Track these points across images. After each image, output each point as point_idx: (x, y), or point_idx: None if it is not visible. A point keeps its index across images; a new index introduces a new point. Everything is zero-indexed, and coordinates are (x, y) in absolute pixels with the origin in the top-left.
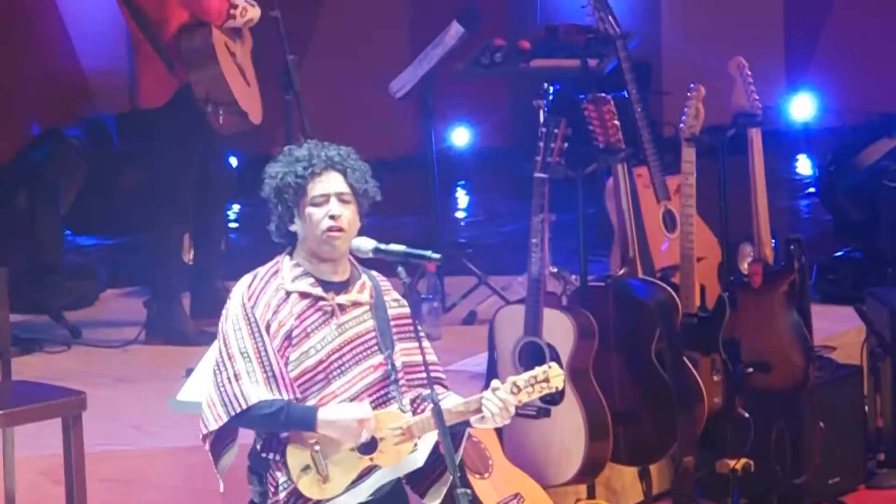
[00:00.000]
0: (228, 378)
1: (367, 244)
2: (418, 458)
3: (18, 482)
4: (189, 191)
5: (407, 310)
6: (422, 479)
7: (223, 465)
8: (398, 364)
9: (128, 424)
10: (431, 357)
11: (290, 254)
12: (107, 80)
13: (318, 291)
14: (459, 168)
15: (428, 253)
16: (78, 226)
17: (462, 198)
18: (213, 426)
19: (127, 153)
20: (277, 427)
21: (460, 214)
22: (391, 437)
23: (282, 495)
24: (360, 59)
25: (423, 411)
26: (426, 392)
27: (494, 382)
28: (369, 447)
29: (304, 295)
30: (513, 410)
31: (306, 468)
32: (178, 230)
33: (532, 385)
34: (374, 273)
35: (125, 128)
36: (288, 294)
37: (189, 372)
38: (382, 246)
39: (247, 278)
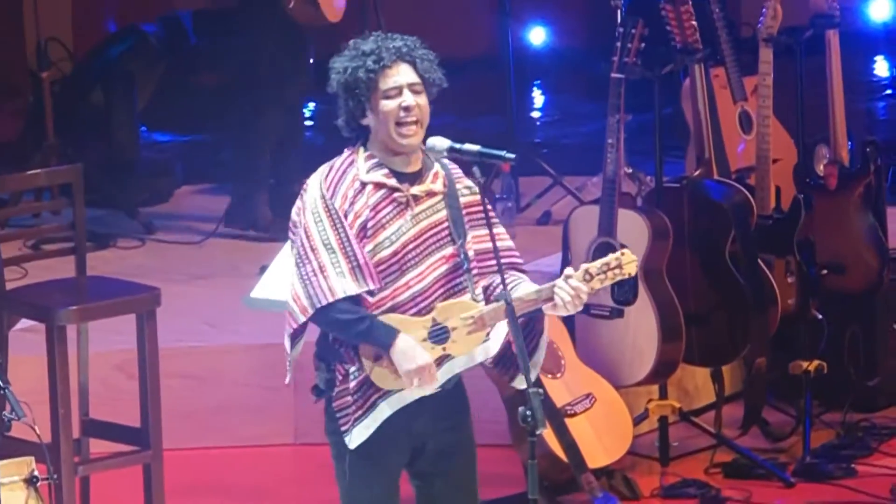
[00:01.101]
0: (313, 270)
1: (442, 143)
2: (490, 348)
3: (92, 377)
4: (272, 80)
5: (477, 197)
6: (510, 363)
7: (293, 356)
8: (470, 253)
9: (201, 321)
10: (504, 243)
11: (364, 145)
12: None
13: (393, 182)
14: (536, 68)
15: (503, 153)
16: (154, 122)
17: (538, 98)
18: (301, 319)
19: (204, 50)
20: (352, 335)
21: (536, 114)
22: (463, 326)
23: (352, 384)
24: None
25: (495, 298)
26: (500, 287)
27: (567, 270)
28: (441, 337)
29: (378, 186)
30: (585, 298)
31: (379, 359)
32: (272, 116)
33: (605, 272)
34: (446, 161)
35: (202, 24)
36: (364, 185)
37: (263, 269)
38: (457, 145)
39: (323, 169)
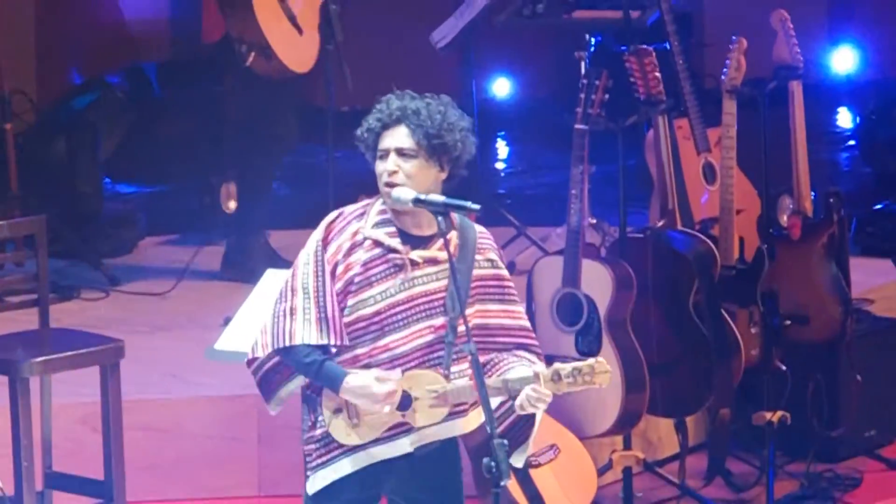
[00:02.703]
0: (284, 311)
1: (407, 194)
2: (463, 425)
3: (56, 429)
4: (231, 136)
5: (498, 271)
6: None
7: (285, 391)
8: (461, 329)
9: (165, 373)
10: (517, 322)
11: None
12: (148, 29)
13: (394, 243)
14: (500, 119)
15: (467, 203)
16: (117, 173)
17: (502, 148)
18: (260, 354)
19: (168, 101)
20: (309, 376)
21: (500, 165)
22: (426, 398)
23: (318, 431)
24: (401, 9)
25: (491, 375)
26: (499, 364)
27: (537, 367)
28: (403, 404)
29: (377, 243)
30: (549, 401)
31: (338, 411)
32: (263, 169)
33: (574, 376)
34: (480, 229)
35: (166, 76)
36: (364, 239)
37: (227, 321)
38: (422, 196)
39: (333, 214)
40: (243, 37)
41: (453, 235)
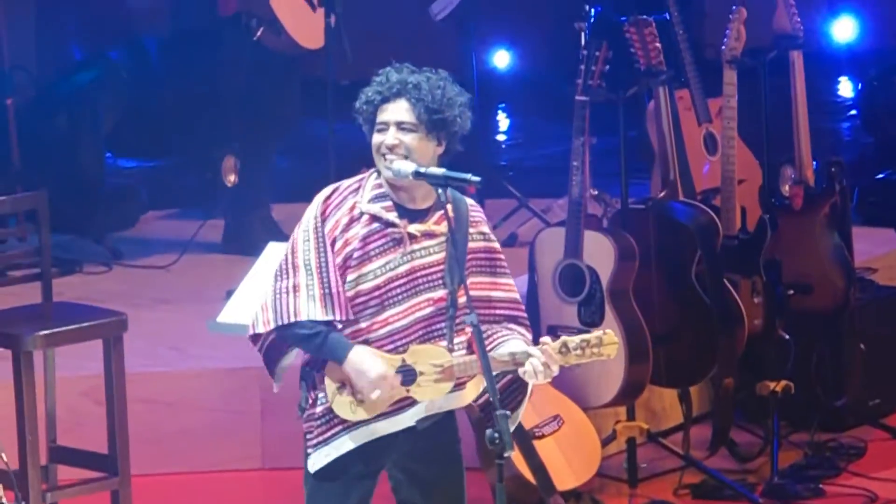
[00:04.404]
0: (287, 288)
1: (407, 167)
2: (466, 396)
3: (59, 403)
4: (237, 110)
5: (490, 244)
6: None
7: (282, 367)
8: (461, 300)
9: (168, 346)
10: (508, 294)
11: (378, 172)
12: (148, 4)
13: (391, 217)
14: (500, 91)
15: (468, 176)
16: (119, 148)
17: (503, 120)
18: (261, 330)
19: (168, 76)
20: (311, 350)
21: (501, 137)
22: (431, 372)
23: (318, 409)
24: None
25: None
26: (494, 336)
27: (544, 338)
28: (409, 378)
29: (375, 218)
30: (556, 371)
31: (342, 387)
32: (266, 145)
33: (583, 348)
34: (470, 202)
35: (167, 51)
36: (361, 214)
37: (229, 294)
38: (422, 169)
39: (328, 189)
40: (252, 10)
41: (449, 209)
